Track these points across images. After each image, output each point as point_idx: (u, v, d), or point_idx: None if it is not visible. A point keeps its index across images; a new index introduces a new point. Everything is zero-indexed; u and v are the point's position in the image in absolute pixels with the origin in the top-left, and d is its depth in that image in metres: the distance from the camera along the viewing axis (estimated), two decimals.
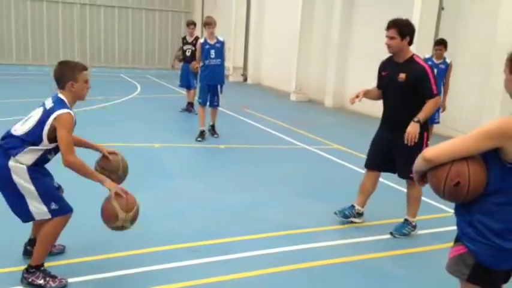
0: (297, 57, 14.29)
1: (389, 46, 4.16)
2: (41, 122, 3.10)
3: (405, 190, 4.53)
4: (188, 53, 10.44)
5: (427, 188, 2.29)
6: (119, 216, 3.15)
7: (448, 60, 7.81)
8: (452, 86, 8.65)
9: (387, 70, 4.33)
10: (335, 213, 4.62)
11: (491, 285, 2.13)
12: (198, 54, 8.19)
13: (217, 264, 3.70)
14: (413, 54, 4.21)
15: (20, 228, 3.59)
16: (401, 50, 4.16)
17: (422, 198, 4.98)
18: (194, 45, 10.23)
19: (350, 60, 12.76)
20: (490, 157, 2.04)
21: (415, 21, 9.56)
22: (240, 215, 4.76)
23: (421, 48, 8.52)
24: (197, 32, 11.40)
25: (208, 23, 7.86)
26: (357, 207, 4.63)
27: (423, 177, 2.21)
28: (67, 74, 3.22)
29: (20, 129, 3.15)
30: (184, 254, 3.80)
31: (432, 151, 2.09)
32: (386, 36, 4.14)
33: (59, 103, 3.16)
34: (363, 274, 3.71)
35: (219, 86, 8.12)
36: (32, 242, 3.51)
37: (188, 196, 5.22)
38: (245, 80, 18.64)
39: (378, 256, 4.03)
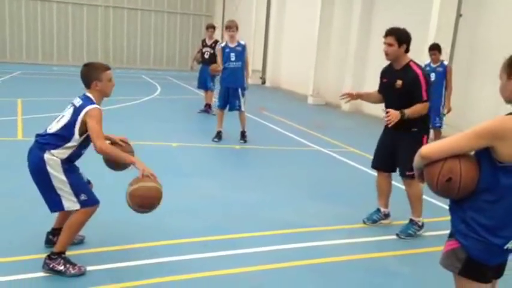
0: (315, 61, 14.41)
1: (387, 53, 4.34)
2: (73, 119, 3.36)
3: None
4: (206, 56, 10.66)
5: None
6: (161, 191, 3.36)
7: (445, 63, 7.99)
8: (470, 92, 8.66)
9: (387, 77, 4.52)
10: (363, 221, 4.75)
11: (482, 279, 2.23)
12: (219, 58, 8.22)
13: (227, 258, 3.86)
14: (409, 61, 4.36)
15: (43, 219, 3.82)
16: (398, 57, 4.33)
17: (432, 200, 5.07)
18: (213, 48, 10.47)
19: (367, 64, 12.80)
20: (482, 156, 2.15)
21: (433, 28, 9.60)
22: (250, 212, 4.91)
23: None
24: (216, 35, 11.61)
25: (229, 26, 7.94)
26: (382, 209, 4.77)
27: (422, 174, 2.34)
28: (91, 74, 3.48)
29: (54, 127, 3.43)
30: (195, 248, 3.97)
31: (428, 148, 2.24)
32: (384, 43, 4.31)
33: (87, 100, 3.44)
34: (367, 271, 3.82)
35: (239, 89, 8.01)
36: (54, 232, 3.73)
37: (201, 193, 5.39)
38: (263, 82, 18.82)
39: (383, 255, 4.13)
